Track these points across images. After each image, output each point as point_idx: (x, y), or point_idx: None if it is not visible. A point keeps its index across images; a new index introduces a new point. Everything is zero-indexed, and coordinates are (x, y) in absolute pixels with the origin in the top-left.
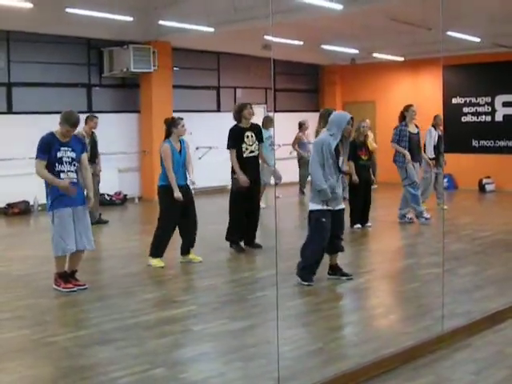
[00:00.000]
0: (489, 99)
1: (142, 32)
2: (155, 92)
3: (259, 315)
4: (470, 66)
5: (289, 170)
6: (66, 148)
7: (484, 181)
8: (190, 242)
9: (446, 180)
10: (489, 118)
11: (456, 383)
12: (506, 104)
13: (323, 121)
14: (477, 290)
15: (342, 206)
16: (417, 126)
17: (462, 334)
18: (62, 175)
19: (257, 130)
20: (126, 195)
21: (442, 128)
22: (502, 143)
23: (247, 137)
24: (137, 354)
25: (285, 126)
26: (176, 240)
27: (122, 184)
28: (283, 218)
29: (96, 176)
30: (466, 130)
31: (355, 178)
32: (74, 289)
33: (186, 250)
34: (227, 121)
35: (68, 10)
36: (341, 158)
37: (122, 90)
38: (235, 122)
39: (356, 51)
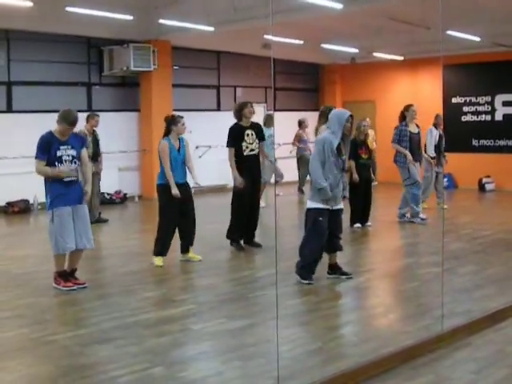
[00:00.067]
0: (489, 98)
1: (142, 31)
2: (155, 91)
3: (258, 314)
4: (470, 66)
5: (289, 169)
6: (66, 146)
7: (484, 180)
8: (189, 241)
9: (445, 179)
10: (489, 118)
11: (456, 382)
12: (505, 103)
13: (323, 118)
14: (477, 289)
15: (341, 205)
16: (417, 126)
17: (462, 333)
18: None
19: (257, 128)
20: (125, 194)
21: (442, 127)
22: (501, 142)
23: (247, 135)
24: (136, 352)
25: (285, 125)
26: (175, 239)
27: (122, 183)
28: (283, 216)
29: (97, 174)
30: (465, 129)
31: (355, 176)
32: (74, 287)
33: (185, 248)
34: (227, 120)
35: (68, 8)
36: (344, 157)
37: (121, 88)
38: (235, 121)
39: (356, 50)
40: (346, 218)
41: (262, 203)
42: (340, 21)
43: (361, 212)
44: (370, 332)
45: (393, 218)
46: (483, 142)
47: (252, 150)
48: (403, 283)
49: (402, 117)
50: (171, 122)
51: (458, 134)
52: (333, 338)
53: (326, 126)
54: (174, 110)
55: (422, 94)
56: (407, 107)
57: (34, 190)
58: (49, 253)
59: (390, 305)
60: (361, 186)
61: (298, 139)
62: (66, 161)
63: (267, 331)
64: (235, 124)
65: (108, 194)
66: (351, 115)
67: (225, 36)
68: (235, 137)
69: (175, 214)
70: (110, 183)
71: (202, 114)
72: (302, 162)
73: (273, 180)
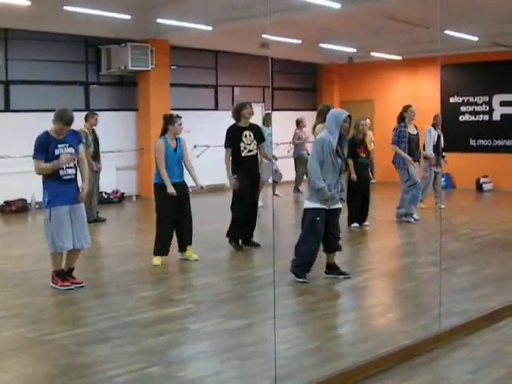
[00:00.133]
0: (486, 98)
1: (140, 30)
2: (153, 90)
3: (257, 314)
4: (468, 65)
5: (287, 169)
6: (64, 145)
7: (481, 180)
8: (186, 239)
9: (443, 179)
10: (486, 118)
11: (453, 382)
12: (503, 103)
13: (321, 117)
14: (474, 288)
15: (339, 205)
16: (416, 127)
17: (460, 333)
18: (60, 172)
19: (256, 129)
20: (123, 193)
21: (441, 128)
22: (499, 142)
23: (245, 136)
24: (133, 352)
25: (282, 125)
26: (174, 239)
27: (120, 182)
28: (281, 216)
29: (96, 173)
30: (463, 129)
31: (354, 175)
32: (71, 287)
33: (183, 246)
34: (225, 119)
35: (66, 7)
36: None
37: (119, 88)
38: (234, 121)
39: (354, 50)
40: (343, 217)
41: (260, 203)
42: (338, 20)
43: (359, 212)
44: (368, 332)
45: (391, 217)
46: (481, 141)
47: (250, 150)
48: (401, 283)
49: (401, 118)
50: (168, 122)
51: (455, 134)
52: (331, 337)
53: (324, 126)
54: (172, 109)
55: (421, 93)
56: (406, 108)
57: (32, 189)
58: (46, 252)
59: (387, 304)
60: (359, 186)
61: (296, 139)
62: None
63: (265, 331)
64: (233, 124)
65: (106, 193)
66: (349, 115)
67: (223, 35)
68: (233, 137)
69: (172, 212)
70: (107, 182)
71: (199, 114)
72: (300, 161)
73: (270, 180)
